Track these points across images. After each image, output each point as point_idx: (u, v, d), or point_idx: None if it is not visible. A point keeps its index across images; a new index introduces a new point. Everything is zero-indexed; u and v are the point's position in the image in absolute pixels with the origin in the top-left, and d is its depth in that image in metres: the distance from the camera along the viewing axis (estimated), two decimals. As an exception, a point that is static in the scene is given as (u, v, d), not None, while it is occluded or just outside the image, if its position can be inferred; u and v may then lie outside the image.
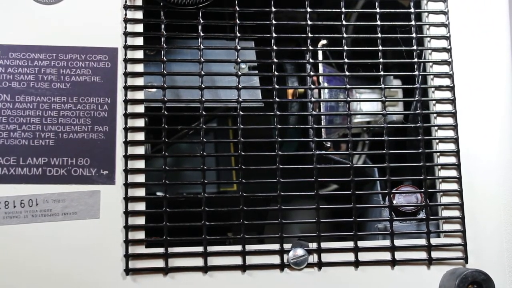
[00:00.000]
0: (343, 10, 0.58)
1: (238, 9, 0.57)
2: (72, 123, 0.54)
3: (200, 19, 0.56)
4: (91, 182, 0.53)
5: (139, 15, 0.56)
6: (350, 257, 0.55)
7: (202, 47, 0.56)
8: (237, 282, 0.54)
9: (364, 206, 0.60)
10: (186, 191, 0.62)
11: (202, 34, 0.56)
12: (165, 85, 0.55)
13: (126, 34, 0.55)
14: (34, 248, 0.52)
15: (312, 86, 0.58)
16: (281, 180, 0.55)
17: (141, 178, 0.54)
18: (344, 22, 0.58)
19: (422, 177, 0.57)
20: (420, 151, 0.57)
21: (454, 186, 0.57)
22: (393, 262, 0.55)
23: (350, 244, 0.55)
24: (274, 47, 0.57)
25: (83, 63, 0.55)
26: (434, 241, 0.56)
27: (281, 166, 0.55)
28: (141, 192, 0.54)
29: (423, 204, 0.57)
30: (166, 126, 0.55)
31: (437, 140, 0.58)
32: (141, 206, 0.54)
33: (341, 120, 0.64)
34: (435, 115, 0.59)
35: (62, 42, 0.55)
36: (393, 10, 0.60)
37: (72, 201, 0.53)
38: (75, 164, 0.53)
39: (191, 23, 0.56)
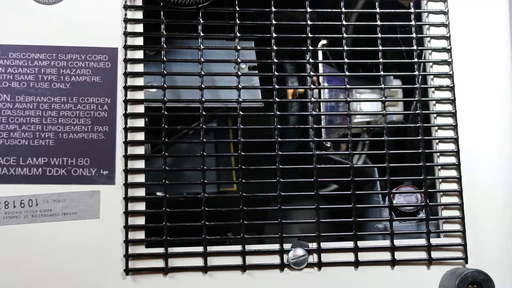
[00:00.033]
0: (343, 10, 0.58)
1: (238, 9, 0.57)
2: (72, 123, 0.54)
3: (200, 19, 0.56)
4: (91, 182, 0.53)
5: (139, 15, 0.56)
6: (350, 257, 0.55)
7: (202, 47, 0.56)
8: (237, 282, 0.54)
9: (364, 206, 0.60)
10: (186, 191, 0.62)
11: (202, 34, 0.56)
12: (165, 85, 0.55)
13: (126, 34, 0.55)
14: (34, 248, 0.52)
15: (312, 86, 0.58)
16: (281, 180, 0.55)
17: (141, 178, 0.54)
18: (344, 22, 0.58)
19: (422, 177, 0.57)
20: (420, 151, 0.57)
21: (454, 186, 0.57)
22: (393, 262, 0.55)
23: (350, 244, 0.55)
24: (274, 47, 0.57)
25: (83, 63, 0.55)
26: (434, 241, 0.56)
27: (281, 166, 0.55)
28: (141, 192, 0.54)
29: (423, 204, 0.57)
30: (166, 126, 0.55)
31: (437, 140, 0.58)
32: (141, 206, 0.54)
33: (341, 120, 0.64)
34: (435, 115, 0.59)
35: (62, 42, 0.55)
36: (393, 10, 0.60)
37: (72, 201, 0.53)
38: (75, 164, 0.53)
39: (191, 23, 0.56)
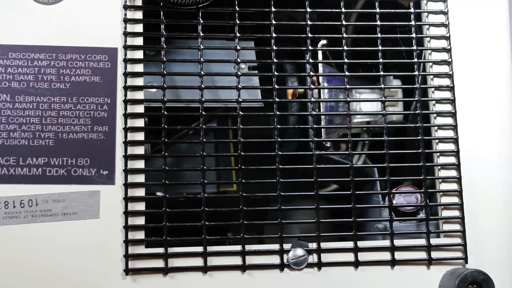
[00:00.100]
0: (343, 10, 0.58)
1: (238, 9, 0.57)
2: (72, 123, 0.54)
3: (200, 19, 0.56)
4: (91, 182, 0.53)
5: (139, 15, 0.56)
6: (350, 257, 0.55)
7: (202, 47, 0.56)
8: (237, 282, 0.54)
9: (364, 206, 0.60)
10: (186, 191, 0.62)
11: (202, 34, 0.56)
12: (165, 85, 0.55)
13: (126, 34, 0.55)
14: (34, 248, 0.52)
15: (312, 86, 0.58)
16: (281, 180, 0.55)
17: (141, 178, 0.54)
18: (344, 22, 0.58)
19: (422, 177, 0.57)
20: (420, 151, 0.57)
21: (454, 186, 0.57)
22: (393, 262, 0.55)
23: (350, 244, 0.55)
24: (274, 47, 0.57)
25: (83, 63, 0.55)
26: (434, 241, 0.56)
27: (281, 166, 0.55)
28: (141, 192, 0.54)
29: (423, 204, 0.57)
30: (166, 126, 0.55)
31: (437, 140, 0.58)
32: (141, 206, 0.54)
33: (341, 120, 0.64)
34: (435, 115, 0.59)
35: (62, 42, 0.55)
36: (393, 10, 0.60)
37: (72, 201, 0.53)
38: (75, 164, 0.53)
39: (191, 23, 0.56)
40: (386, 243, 0.56)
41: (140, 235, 0.53)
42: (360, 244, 0.55)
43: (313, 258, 0.55)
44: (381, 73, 0.58)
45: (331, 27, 0.59)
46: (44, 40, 0.55)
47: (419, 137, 0.57)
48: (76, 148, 0.53)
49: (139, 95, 0.55)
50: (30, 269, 0.52)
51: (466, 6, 0.60)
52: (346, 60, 0.58)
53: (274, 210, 0.55)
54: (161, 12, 0.56)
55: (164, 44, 0.56)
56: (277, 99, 0.56)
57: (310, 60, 0.58)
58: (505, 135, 0.59)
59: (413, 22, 0.59)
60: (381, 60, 0.58)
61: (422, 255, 0.56)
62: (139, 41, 0.56)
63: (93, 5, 0.56)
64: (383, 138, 0.57)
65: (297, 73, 0.62)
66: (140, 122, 0.55)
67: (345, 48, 0.58)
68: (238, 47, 0.57)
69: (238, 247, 0.54)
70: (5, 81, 0.54)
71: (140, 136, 0.55)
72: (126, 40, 0.55)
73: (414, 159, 0.58)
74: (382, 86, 0.58)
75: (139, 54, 0.56)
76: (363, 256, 0.55)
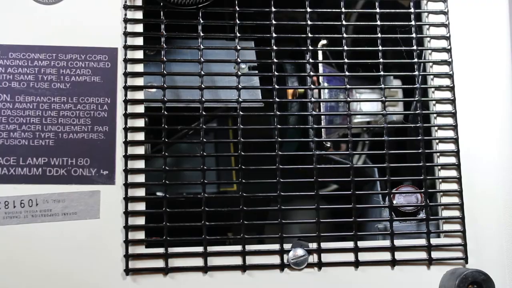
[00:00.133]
0: (343, 10, 0.58)
1: (238, 9, 0.57)
2: (72, 123, 0.54)
3: (200, 19, 0.56)
4: (91, 182, 0.53)
5: (139, 15, 0.56)
6: (350, 257, 0.55)
7: (202, 47, 0.56)
8: (237, 282, 0.54)
9: (364, 206, 0.60)
10: (186, 191, 0.62)
11: (202, 34, 0.56)
12: (165, 85, 0.55)
13: (126, 34, 0.55)
14: (34, 248, 0.52)
15: (312, 86, 0.58)
16: (281, 180, 0.55)
17: (141, 178, 0.54)
18: (344, 22, 0.58)
19: (422, 177, 0.57)
20: (420, 151, 0.57)
21: (454, 186, 0.57)
22: (393, 262, 0.55)
23: (350, 244, 0.55)
24: (274, 47, 0.57)
25: (83, 63, 0.55)
26: (434, 241, 0.56)
27: (281, 166, 0.55)
28: (141, 192, 0.54)
29: (423, 204, 0.57)
30: (166, 126, 0.54)
31: (437, 140, 0.58)
32: (141, 206, 0.54)
33: (341, 120, 0.64)
34: (435, 115, 0.59)
35: (62, 42, 0.55)
36: (393, 10, 0.60)
37: (72, 201, 0.53)
38: (75, 164, 0.53)
39: (191, 23, 0.56)
40: (386, 243, 0.56)
41: (140, 235, 0.53)
42: (360, 244, 0.55)
43: (313, 258, 0.55)
44: (381, 73, 0.58)
45: (331, 27, 0.59)
46: (44, 40, 0.55)
47: (419, 137, 0.57)
48: (76, 148, 0.53)
49: (139, 95, 0.55)
50: (30, 269, 0.52)
51: (466, 6, 0.60)
52: (346, 60, 0.58)
53: (274, 210, 0.55)
54: (161, 12, 0.56)
55: (164, 44, 0.56)
56: (277, 99, 0.56)
57: (310, 60, 0.58)
58: (505, 135, 0.59)
59: (413, 22, 0.59)
60: (381, 60, 0.58)
61: (422, 255, 0.56)
62: (139, 41, 0.56)
63: (93, 5, 0.56)
64: (383, 138, 0.57)
65: (297, 73, 0.62)
66: (140, 122, 0.55)
67: (345, 48, 0.58)
68: (238, 47, 0.57)
69: (238, 247, 0.54)
70: (5, 81, 0.53)
71: (140, 136, 0.55)
72: (126, 40, 0.55)
73: (414, 159, 0.58)
74: (382, 86, 0.58)
75: (139, 54, 0.56)
76: (363, 256, 0.55)
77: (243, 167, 0.55)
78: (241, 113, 0.56)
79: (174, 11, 0.57)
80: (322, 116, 0.60)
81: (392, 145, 0.57)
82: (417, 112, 0.58)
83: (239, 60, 0.57)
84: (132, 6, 0.56)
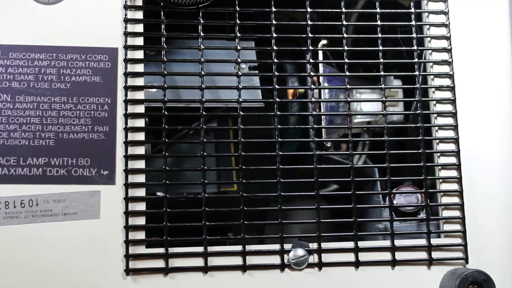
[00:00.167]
0: (343, 10, 0.58)
1: (238, 9, 0.57)
2: (72, 123, 0.54)
3: (201, 19, 0.56)
4: (92, 182, 0.53)
5: (139, 15, 0.56)
6: (350, 257, 0.55)
7: (202, 47, 0.56)
8: (237, 282, 0.54)
9: (365, 206, 0.60)
10: (186, 191, 0.62)
11: (202, 34, 0.56)
12: (165, 85, 0.55)
13: (126, 34, 0.55)
14: (34, 248, 0.52)
15: (313, 86, 0.58)
16: (282, 180, 0.55)
17: (141, 178, 0.54)
18: (344, 22, 0.58)
19: (422, 177, 0.57)
20: (420, 151, 0.57)
21: (455, 186, 0.57)
22: (394, 263, 0.55)
23: (350, 244, 0.55)
24: (275, 47, 0.57)
25: (83, 63, 0.55)
26: (434, 241, 0.56)
27: (281, 166, 0.55)
28: (141, 192, 0.54)
29: (424, 204, 0.57)
30: (166, 126, 0.54)
31: (437, 140, 0.58)
32: (142, 206, 0.54)
33: (342, 120, 0.64)
34: (435, 115, 0.59)
35: (62, 42, 0.55)
36: (393, 10, 0.60)
37: (73, 201, 0.53)
38: (76, 164, 0.53)
39: (191, 23, 0.56)
40: (386, 243, 0.56)
41: (141, 235, 0.53)
42: (361, 244, 0.55)
43: (313, 258, 0.55)
44: (382, 73, 0.58)
45: (332, 27, 0.59)
46: (45, 40, 0.55)
47: (419, 137, 0.57)
48: (77, 148, 0.53)
49: (140, 95, 0.55)
50: (30, 269, 0.52)
51: (467, 6, 0.60)
52: (346, 60, 0.58)
53: (275, 210, 0.55)
54: (162, 12, 0.56)
55: (164, 44, 0.56)
56: (277, 99, 0.56)
57: (311, 60, 0.58)
58: (505, 135, 0.59)
59: (413, 22, 0.59)
60: (381, 60, 0.58)
61: (423, 255, 0.56)
62: (140, 41, 0.56)
63: (93, 5, 0.56)
64: (383, 138, 0.57)
65: (298, 73, 0.62)
66: (141, 122, 0.55)
67: (346, 48, 0.58)
68: (239, 47, 0.57)
69: (238, 247, 0.54)
70: (6, 81, 0.53)
71: (141, 136, 0.55)
72: (126, 40, 0.55)
73: (415, 159, 0.58)
74: (383, 86, 0.58)
75: (140, 54, 0.56)
76: (363, 256, 0.55)
77: (243, 167, 0.55)
78: (241, 113, 0.56)
79: (174, 11, 0.57)
80: (322, 116, 0.60)
81: (393, 145, 0.57)
82: (417, 112, 0.58)
83: (239, 60, 0.57)
84: (132, 6, 0.56)
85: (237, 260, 0.54)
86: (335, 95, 0.63)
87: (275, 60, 0.57)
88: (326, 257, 0.55)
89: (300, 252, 0.54)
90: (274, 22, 0.57)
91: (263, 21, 0.57)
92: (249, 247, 0.54)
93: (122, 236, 0.53)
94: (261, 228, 0.62)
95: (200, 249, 0.54)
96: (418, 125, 0.58)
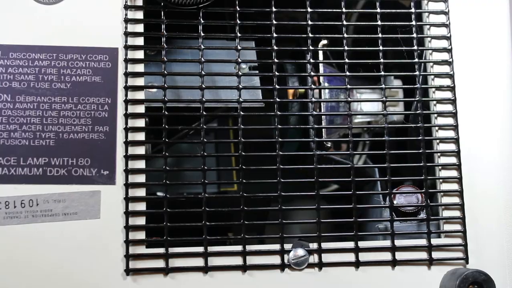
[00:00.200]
0: (344, 10, 0.58)
1: (238, 9, 0.57)
2: (72, 123, 0.54)
3: (201, 19, 0.56)
4: (92, 182, 0.53)
5: (139, 15, 0.56)
6: (350, 257, 0.55)
7: (202, 47, 0.56)
8: (237, 282, 0.54)
9: (365, 206, 0.60)
10: (186, 191, 0.62)
11: (202, 34, 0.56)
12: (165, 85, 0.55)
13: (127, 34, 0.55)
14: (34, 248, 0.52)
15: (313, 86, 0.58)
16: (282, 180, 0.55)
17: (141, 178, 0.54)
18: (344, 22, 0.58)
19: (422, 177, 0.57)
20: (420, 151, 0.57)
21: (455, 186, 0.57)
22: (394, 263, 0.55)
23: (350, 244, 0.55)
24: (275, 47, 0.57)
25: (84, 63, 0.55)
26: (434, 241, 0.56)
27: (281, 166, 0.55)
28: (141, 192, 0.54)
29: (424, 204, 0.57)
30: (166, 126, 0.54)
31: (437, 141, 0.58)
32: (142, 206, 0.54)
33: (342, 120, 0.64)
34: (435, 115, 0.59)
35: (62, 42, 0.55)
36: (393, 10, 0.60)
37: (73, 201, 0.53)
38: (76, 164, 0.53)
39: (191, 23, 0.56)
40: (387, 243, 0.56)
41: (141, 235, 0.53)
42: (361, 244, 0.55)
43: (313, 258, 0.55)
44: (382, 73, 0.58)
45: (332, 27, 0.59)
46: (45, 40, 0.55)
47: (420, 137, 0.57)
48: (77, 148, 0.53)
49: (140, 95, 0.55)
50: (30, 269, 0.52)
51: (467, 6, 0.60)
52: (347, 60, 0.58)
53: (275, 210, 0.55)
54: (162, 12, 0.56)
55: (164, 44, 0.56)
56: (277, 99, 0.56)
57: (311, 60, 0.58)
58: (506, 135, 0.59)
59: (414, 22, 0.59)
60: (382, 60, 0.58)
61: (423, 255, 0.56)
62: (140, 41, 0.56)
63: (93, 5, 0.56)
64: (384, 138, 0.57)
65: (298, 73, 0.62)
66: (141, 122, 0.55)
67: (346, 48, 0.58)
68: (239, 47, 0.57)
69: (239, 247, 0.54)
70: (6, 81, 0.53)
71: (141, 136, 0.55)
72: (126, 40, 0.55)
73: (415, 159, 0.58)
74: (383, 86, 0.58)
75: (140, 54, 0.56)
76: (363, 256, 0.55)
77: (243, 167, 0.55)
78: (241, 113, 0.56)
79: (174, 11, 0.57)
80: (322, 116, 0.60)
81: (393, 145, 0.57)
82: (417, 112, 0.58)
83: (239, 60, 0.57)
84: (132, 6, 0.56)
85: (237, 260, 0.54)
86: (335, 95, 0.63)
87: (275, 60, 0.57)
88: (326, 257, 0.55)
89: (300, 252, 0.54)
90: (274, 22, 0.57)
91: (263, 21, 0.57)
92: (249, 247, 0.54)
93: (122, 236, 0.53)
94: (261, 228, 0.62)
95: (200, 249, 0.54)
96: (419, 125, 0.58)
